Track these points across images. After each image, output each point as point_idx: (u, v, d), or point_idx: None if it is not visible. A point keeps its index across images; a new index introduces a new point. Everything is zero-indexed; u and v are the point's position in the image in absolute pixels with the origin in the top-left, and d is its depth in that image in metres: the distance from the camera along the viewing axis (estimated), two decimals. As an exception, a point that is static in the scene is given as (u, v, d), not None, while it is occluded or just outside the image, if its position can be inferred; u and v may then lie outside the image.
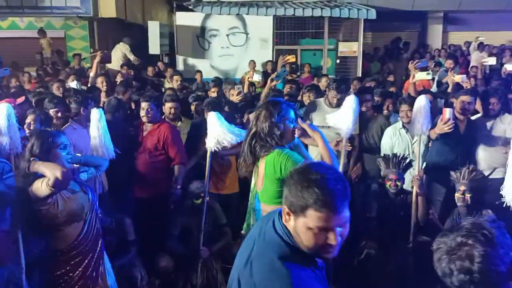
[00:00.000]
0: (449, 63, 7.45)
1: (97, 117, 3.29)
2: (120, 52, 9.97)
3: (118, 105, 4.61)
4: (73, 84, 6.27)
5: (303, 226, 1.45)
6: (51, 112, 3.96)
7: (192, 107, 5.27)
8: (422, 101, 3.67)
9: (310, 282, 1.47)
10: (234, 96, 5.24)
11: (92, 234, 2.72)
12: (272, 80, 4.92)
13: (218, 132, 3.31)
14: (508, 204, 2.36)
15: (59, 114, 3.99)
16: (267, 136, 2.51)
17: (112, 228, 3.47)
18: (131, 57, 9.89)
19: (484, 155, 4.22)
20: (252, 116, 2.72)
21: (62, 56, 11.23)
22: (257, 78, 6.74)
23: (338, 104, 4.53)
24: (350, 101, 3.52)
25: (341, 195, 1.43)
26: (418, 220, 3.76)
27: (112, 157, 3.39)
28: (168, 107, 4.66)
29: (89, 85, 5.25)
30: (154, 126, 4.13)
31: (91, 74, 5.21)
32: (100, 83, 5.37)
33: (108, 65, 8.83)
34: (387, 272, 3.61)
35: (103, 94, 5.38)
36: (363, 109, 4.66)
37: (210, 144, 3.38)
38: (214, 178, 4.45)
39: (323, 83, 6.91)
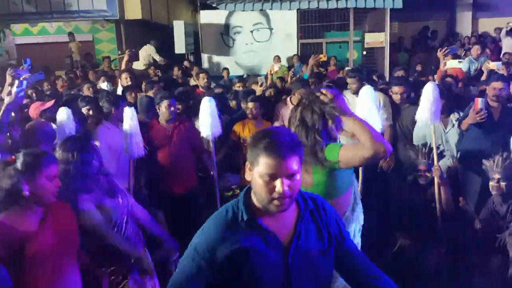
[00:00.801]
0: (476, 49, 7.14)
1: (129, 116, 3.33)
2: (145, 53, 10.12)
3: (151, 103, 4.67)
4: (103, 85, 6.39)
5: (256, 175, 1.56)
6: (84, 110, 4.04)
7: (232, 103, 5.30)
8: (430, 88, 3.47)
9: (219, 238, 1.58)
10: (257, 87, 5.29)
11: (126, 236, 2.68)
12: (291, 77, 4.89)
13: (211, 119, 3.33)
14: None
15: (91, 112, 4.06)
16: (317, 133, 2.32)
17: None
18: (157, 57, 10.02)
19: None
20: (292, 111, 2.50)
21: (92, 59, 11.47)
22: (277, 67, 6.79)
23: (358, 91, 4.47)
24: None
25: (288, 145, 1.54)
26: (444, 210, 3.65)
27: (142, 155, 3.43)
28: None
29: (119, 86, 5.32)
30: (175, 123, 4.12)
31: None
32: (124, 79, 5.42)
33: (133, 66, 8.97)
34: (420, 264, 3.53)
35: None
36: (396, 98, 4.58)
37: (206, 132, 3.41)
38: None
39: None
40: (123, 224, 2.68)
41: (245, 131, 4.51)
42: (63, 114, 3.39)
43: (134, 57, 5.63)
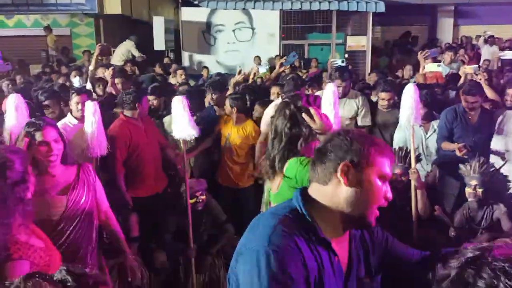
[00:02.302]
0: (449, 55, 6.99)
1: (91, 111, 3.09)
2: (124, 49, 9.89)
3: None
4: (75, 80, 6.19)
5: (374, 177, 1.34)
6: (43, 105, 3.90)
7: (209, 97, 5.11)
8: (410, 90, 3.38)
9: (295, 253, 1.26)
10: (237, 76, 5.23)
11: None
12: (281, 65, 4.80)
13: (183, 120, 3.18)
14: None
15: (50, 108, 3.92)
16: (292, 140, 2.12)
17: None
18: (136, 53, 9.80)
19: (497, 147, 4.07)
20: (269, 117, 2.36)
21: (68, 54, 11.18)
22: (262, 70, 6.67)
23: (344, 93, 4.37)
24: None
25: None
26: (420, 215, 3.58)
27: (104, 154, 3.17)
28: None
29: (89, 79, 5.09)
30: (145, 120, 4.01)
31: (90, 67, 5.04)
32: (102, 73, 5.19)
33: (111, 61, 8.74)
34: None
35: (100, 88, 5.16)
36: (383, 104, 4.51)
37: (179, 134, 3.26)
38: (227, 171, 4.36)
39: (324, 77, 6.80)
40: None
41: (225, 127, 4.42)
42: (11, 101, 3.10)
43: (106, 51, 5.37)
